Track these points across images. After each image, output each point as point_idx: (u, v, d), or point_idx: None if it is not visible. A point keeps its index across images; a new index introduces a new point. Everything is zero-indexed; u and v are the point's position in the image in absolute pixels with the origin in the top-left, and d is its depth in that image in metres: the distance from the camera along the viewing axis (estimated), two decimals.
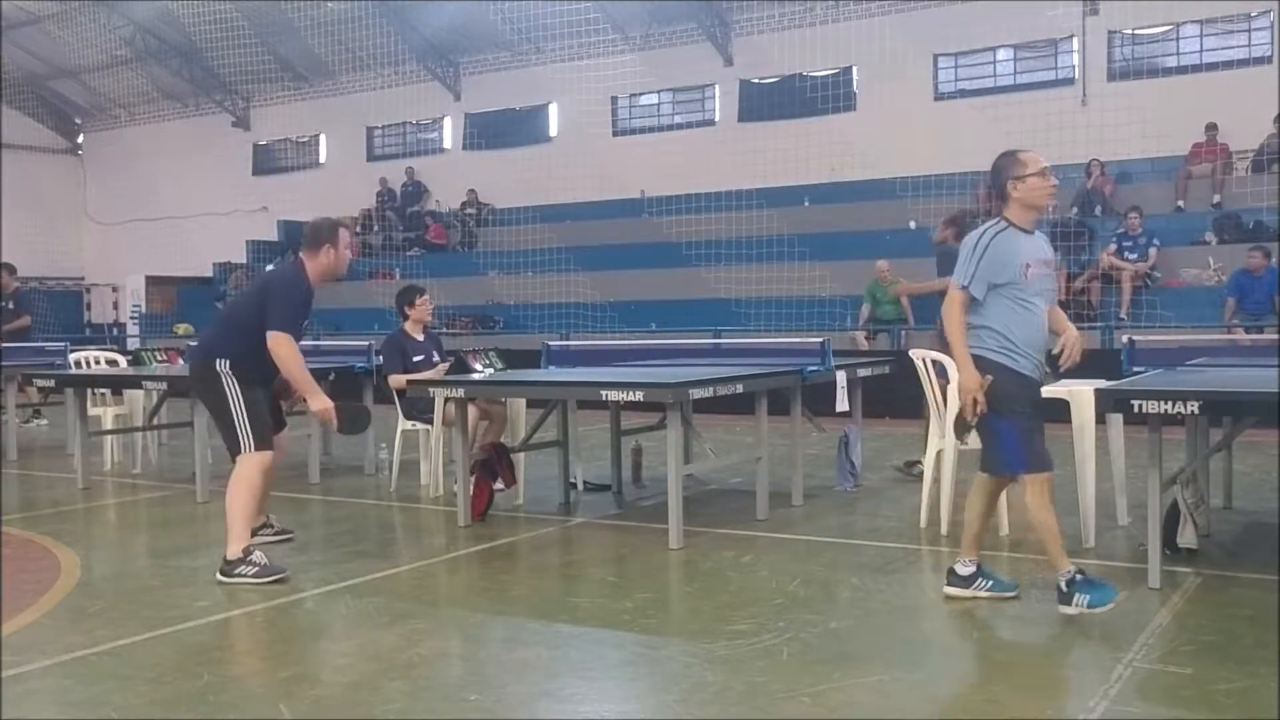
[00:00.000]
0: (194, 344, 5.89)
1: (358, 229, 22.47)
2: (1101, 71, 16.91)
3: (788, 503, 7.18)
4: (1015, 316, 4.58)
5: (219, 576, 5.30)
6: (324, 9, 21.11)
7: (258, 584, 5.21)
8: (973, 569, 4.83)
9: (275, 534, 6.20)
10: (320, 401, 5.58)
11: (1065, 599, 4.46)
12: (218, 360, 5.54)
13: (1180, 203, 15.36)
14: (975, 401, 4.54)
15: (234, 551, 5.33)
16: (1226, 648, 4.03)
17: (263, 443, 5.53)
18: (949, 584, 4.85)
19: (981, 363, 4.60)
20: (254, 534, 5.74)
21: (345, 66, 22.74)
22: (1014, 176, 4.62)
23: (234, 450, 5.56)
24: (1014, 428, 4.55)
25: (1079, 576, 4.46)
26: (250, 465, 5.50)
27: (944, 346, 5.28)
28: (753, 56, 19.36)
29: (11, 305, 12.32)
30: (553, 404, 7.59)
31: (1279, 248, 12.80)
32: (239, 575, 5.26)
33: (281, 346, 5.44)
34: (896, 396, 9.32)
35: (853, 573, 5.40)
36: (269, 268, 5.97)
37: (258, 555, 5.36)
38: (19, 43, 24.19)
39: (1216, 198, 15.00)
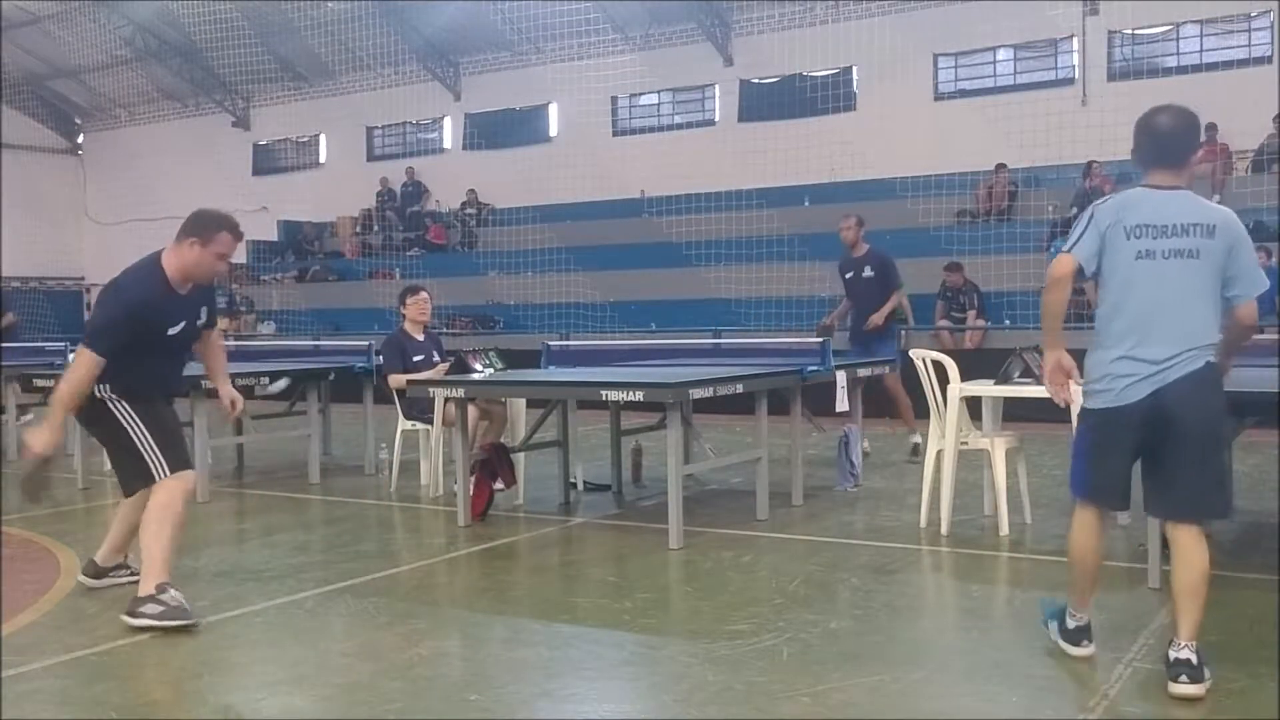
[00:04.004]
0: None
1: (358, 229, 22.45)
2: (1101, 71, 16.88)
3: (788, 503, 7.18)
4: None
5: (124, 615, 4.56)
6: (324, 9, 21.09)
7: (161, 626, 4.44)
8: None
9: (130, 575, 5.12)
10: (43, 438, 4.53)
11: None
12: (95, 386, 4.63)
13: None
14: None
15: (145, 588, 4.56)
16: (1226, 648, 4.03)
17: (179, 463, 4.72)
18: None
19: None
20: (108, 574, 5.16)
21: (345, 66, 22.71)
22: None
23: (145, 482, 4.72)
24: None
25: None
26: (166, 492, 4.66)
27: None
28: (753, 56, 19.34)
29: None
30: (553, 404, 7.59)
31: (1279, 248, 12.79)
32: (142, 615, 4.48)
33: (76, 363, 4.58)
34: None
35: (853, 573, 5.40)
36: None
37: (170, 595, 4.53)
38: (19, 43, 24.16)
39: (1216, 198, 14.91)
